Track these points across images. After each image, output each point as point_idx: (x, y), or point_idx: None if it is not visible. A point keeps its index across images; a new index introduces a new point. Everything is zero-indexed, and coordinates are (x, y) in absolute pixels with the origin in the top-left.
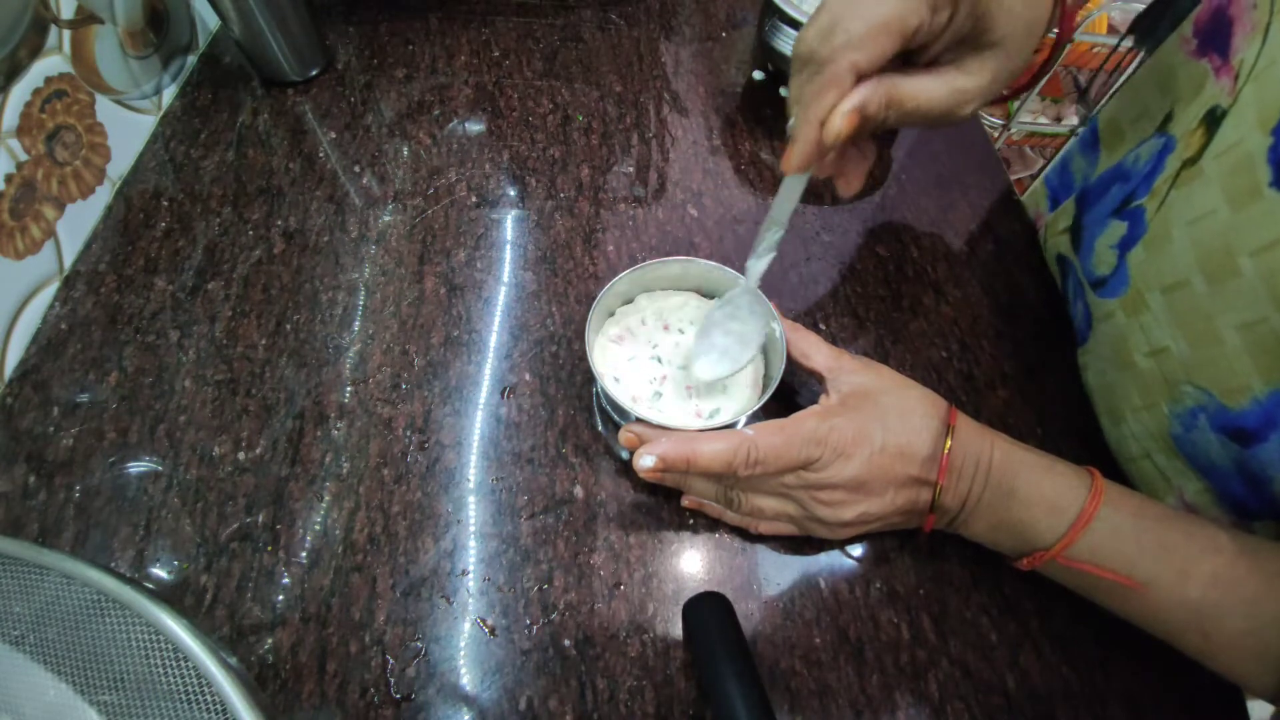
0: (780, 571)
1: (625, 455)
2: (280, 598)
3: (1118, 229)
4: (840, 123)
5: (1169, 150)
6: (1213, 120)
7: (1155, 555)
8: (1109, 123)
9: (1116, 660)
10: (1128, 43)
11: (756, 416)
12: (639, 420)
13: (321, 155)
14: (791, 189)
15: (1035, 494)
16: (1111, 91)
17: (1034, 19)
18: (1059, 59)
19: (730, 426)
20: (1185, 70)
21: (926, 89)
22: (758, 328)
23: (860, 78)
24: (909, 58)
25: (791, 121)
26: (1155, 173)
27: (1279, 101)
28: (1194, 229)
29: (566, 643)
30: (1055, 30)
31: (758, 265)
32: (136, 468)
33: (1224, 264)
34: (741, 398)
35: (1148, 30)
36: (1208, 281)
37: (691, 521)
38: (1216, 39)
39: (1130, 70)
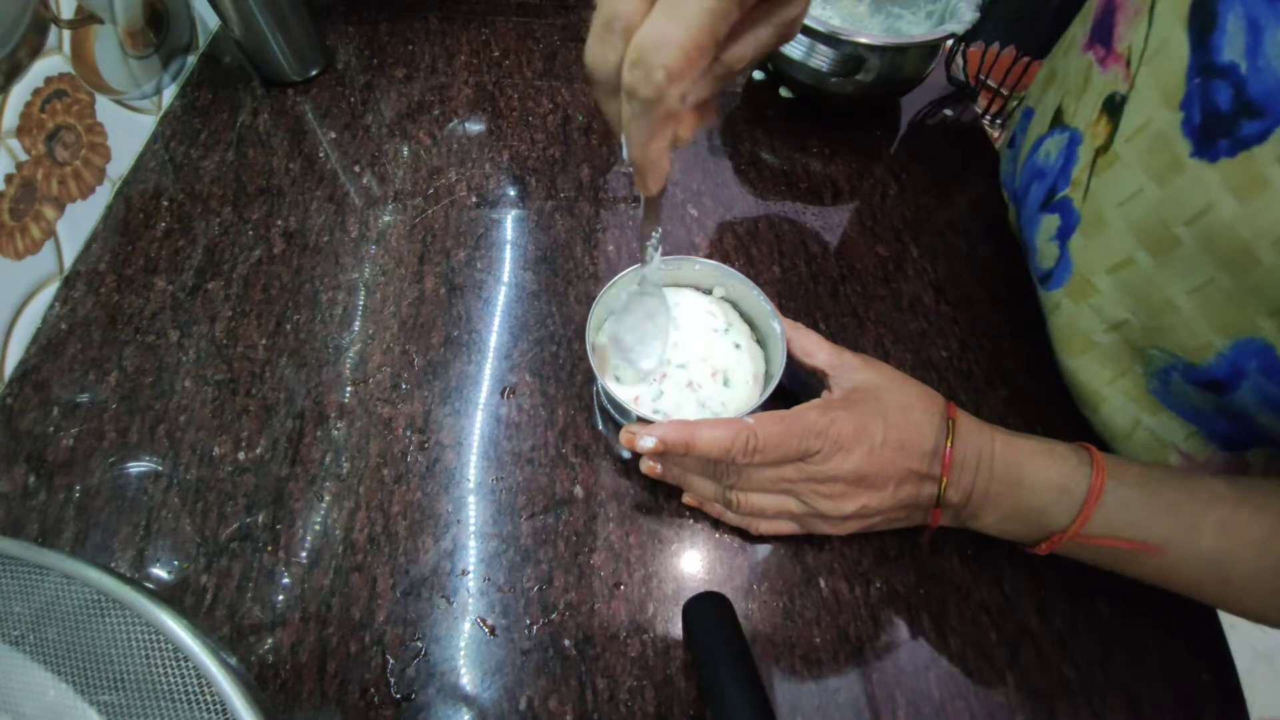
0: (780, 571)
1: (626, 455)
2: (280, 598)
3: (1051, 222)
4: (687, 136)
5: (1077, 142)
6: (1113, 107)
7: (1164, 517)
8: (1037, 111)
9: (1116, 658)
10: None
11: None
12: (639, 420)
13: (321, 155)
14: (653, 202)
15: (1042, 479)
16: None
17: None
18: None
19: None
20: (1075, 64)
21: (753, 45)
22: (662, 315)
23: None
24: None
25: (625, 152)
26: (1070, 164)
27: (1181, 79)
28: (1126, 210)
29: (566, 643)
30: None
31: (654, 271)
32: (136, 468)
33: (1163, 237)
34: (742, 395)
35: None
36: (1151, 255)
37: (691, 521)
38: (1102, 30)
39: None
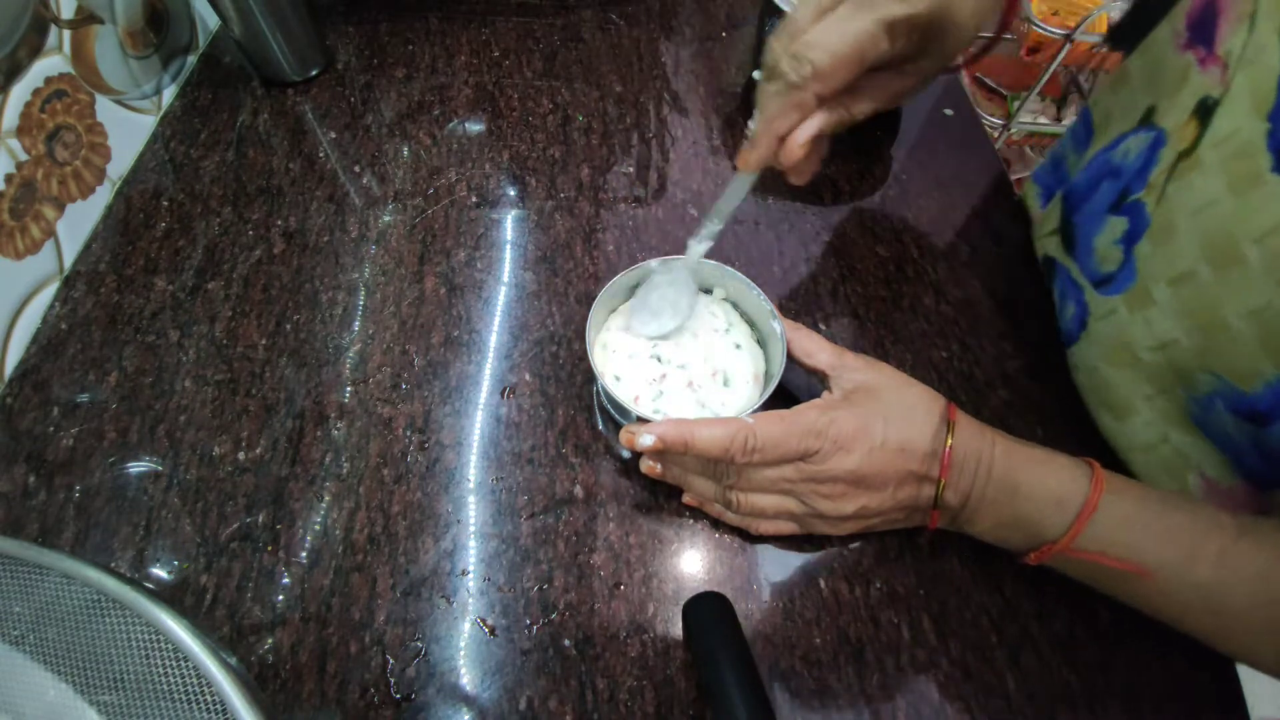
0: (780, 571)
1: (626, 455)
2: (280, 598)
3: (1118, 225)
4: (797, 151)
5: (1161, 144)
6: (1204, 111)
7: (1161, 540)
8: (1103, 115)
9: (1117, 661)
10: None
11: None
12: (639, 419)
13: (321, 155)
14: (740, 185)
15: (1039, 488)
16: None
17: (979, 26)
18: (1001, 36)
19: None
20: (1172, 63)
21: (873, 99)
22: (688, 300)
23: (822, 101)
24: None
25: (753, 124)
26: (1149, 166)
27: (1272, 88)
28: (1198, 219)
29: (566, 643)
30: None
31: (698, 247)
32: (136, 468)
33: (1229, 252)
34: (743, 396)
35: (1132, 38)
36: (1213, 270)
37: (691, 521)
38: (1203, 30)
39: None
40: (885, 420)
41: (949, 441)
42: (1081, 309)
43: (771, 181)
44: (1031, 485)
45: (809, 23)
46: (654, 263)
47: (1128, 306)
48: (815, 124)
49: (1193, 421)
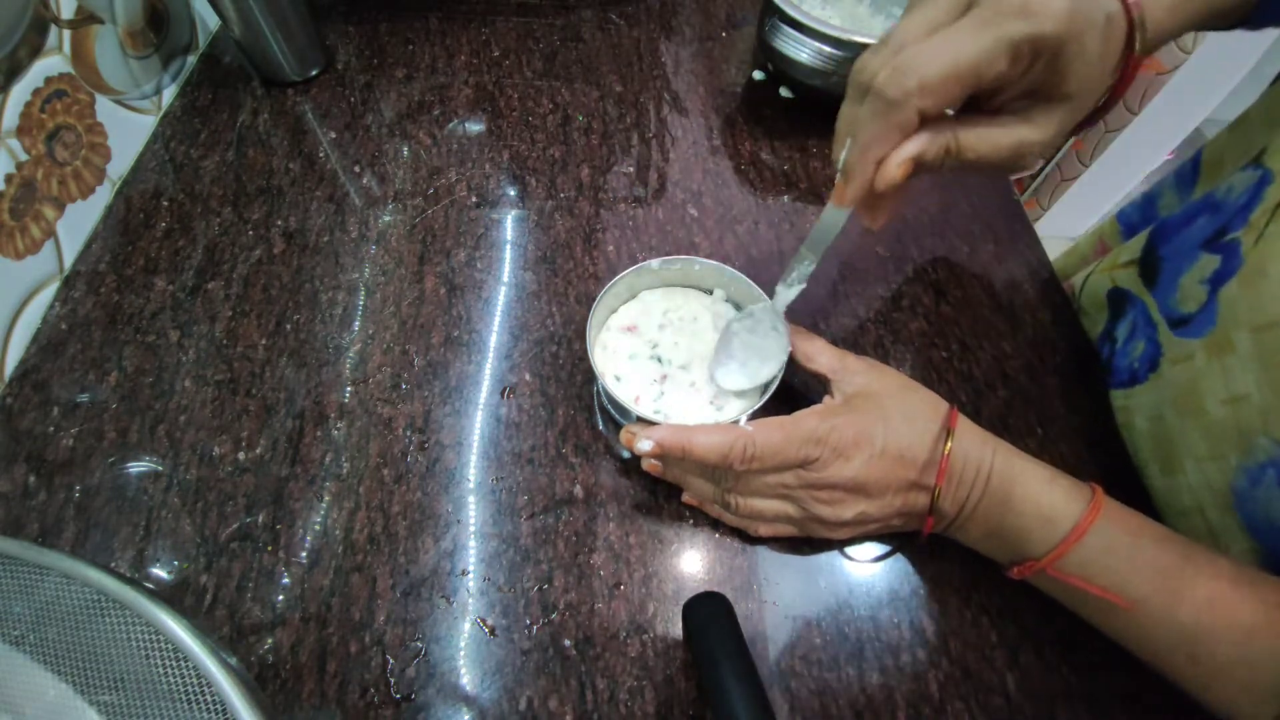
0: (780, 571)
1: (626, 455)
2: (280, 598)
3: (1209, 263)
4: (895, 172)
5: (1267, 182)
6: None
7: (1149, 575)
8: (1214, 156)
9: (1117, 661)
10: None
11: (757, 416)
12: (640, 420)
13: (321, 155)
14: (832, 221)
15: (1031, 504)
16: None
17: (1107, 72)
18: (1109, 109)
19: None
20: None
21: (989, 140)
22: (779, 347)
23: (924, 121)
24: (973, 100)
25: (843, 153)
26: (1252, 205)
27: None
28: None
29: (566, 643)
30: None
31: (786, 293)
32: (136, 468)
33: None
34: (744, 397)
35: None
36: None
37: (691, 521)
38: None
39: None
40: (885, 426)
41: (947, 448)
42: (1154, 348)
43: (773, 182)
44: (1024, 499)
45: (918, 37)
46: (655, 262)
47: (1207, 352)
48: (917, 144)
49: (1234, 498)
